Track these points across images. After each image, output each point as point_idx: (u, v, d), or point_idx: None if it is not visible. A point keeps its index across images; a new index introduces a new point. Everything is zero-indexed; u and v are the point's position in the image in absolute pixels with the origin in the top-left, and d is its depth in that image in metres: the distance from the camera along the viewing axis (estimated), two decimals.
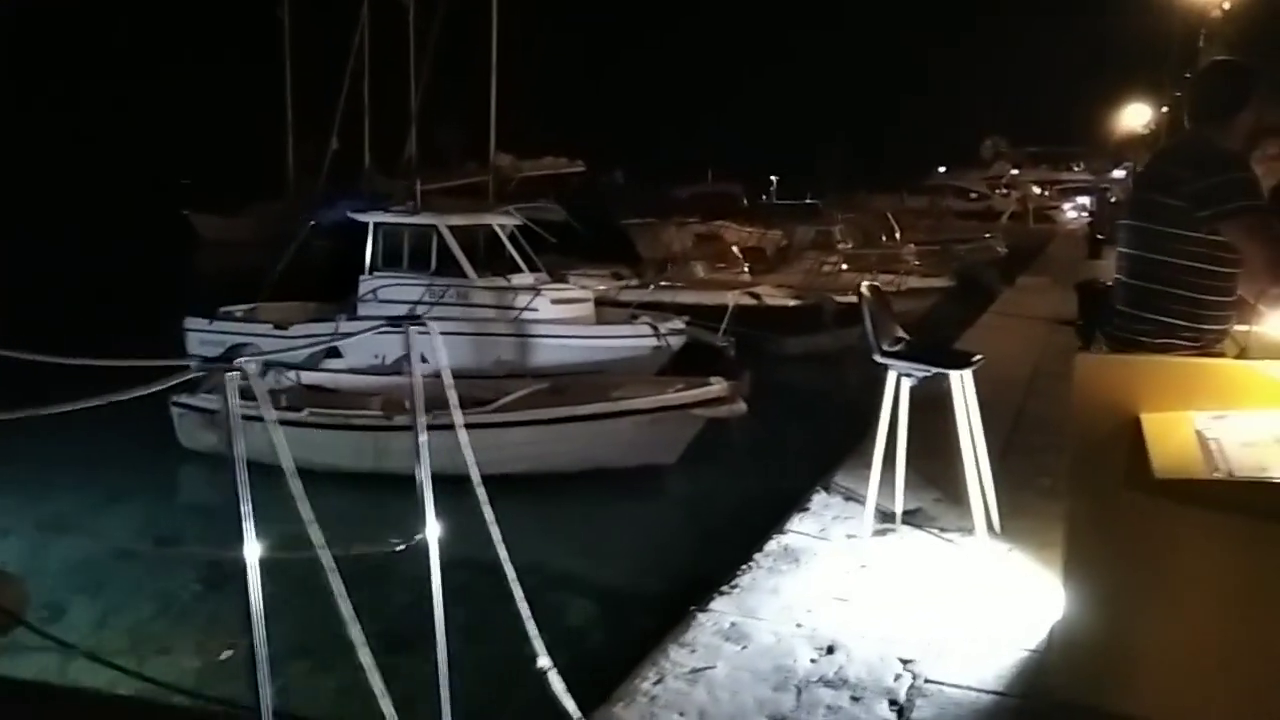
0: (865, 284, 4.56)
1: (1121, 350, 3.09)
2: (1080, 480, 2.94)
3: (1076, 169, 40.26)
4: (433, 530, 2.45)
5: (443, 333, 11.03)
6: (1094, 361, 3.00)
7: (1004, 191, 35.91)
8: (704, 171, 34.21)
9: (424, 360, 9.90)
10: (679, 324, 11.71)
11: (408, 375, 2.57)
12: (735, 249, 18.02)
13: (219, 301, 12.28)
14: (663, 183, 31.96)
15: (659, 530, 7.00)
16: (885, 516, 4.84)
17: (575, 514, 7.36)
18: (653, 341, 11.36)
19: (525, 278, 11.78)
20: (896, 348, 4.41)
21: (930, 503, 5.07)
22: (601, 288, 13.69)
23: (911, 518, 4.87)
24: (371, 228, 11.81)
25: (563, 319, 11.56)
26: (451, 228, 11.62)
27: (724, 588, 4.06)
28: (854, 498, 5.12)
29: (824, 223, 21.30)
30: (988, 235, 23.05)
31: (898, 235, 21.56)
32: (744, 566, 4.30)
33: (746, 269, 16.47)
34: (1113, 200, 23.80)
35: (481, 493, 2.55)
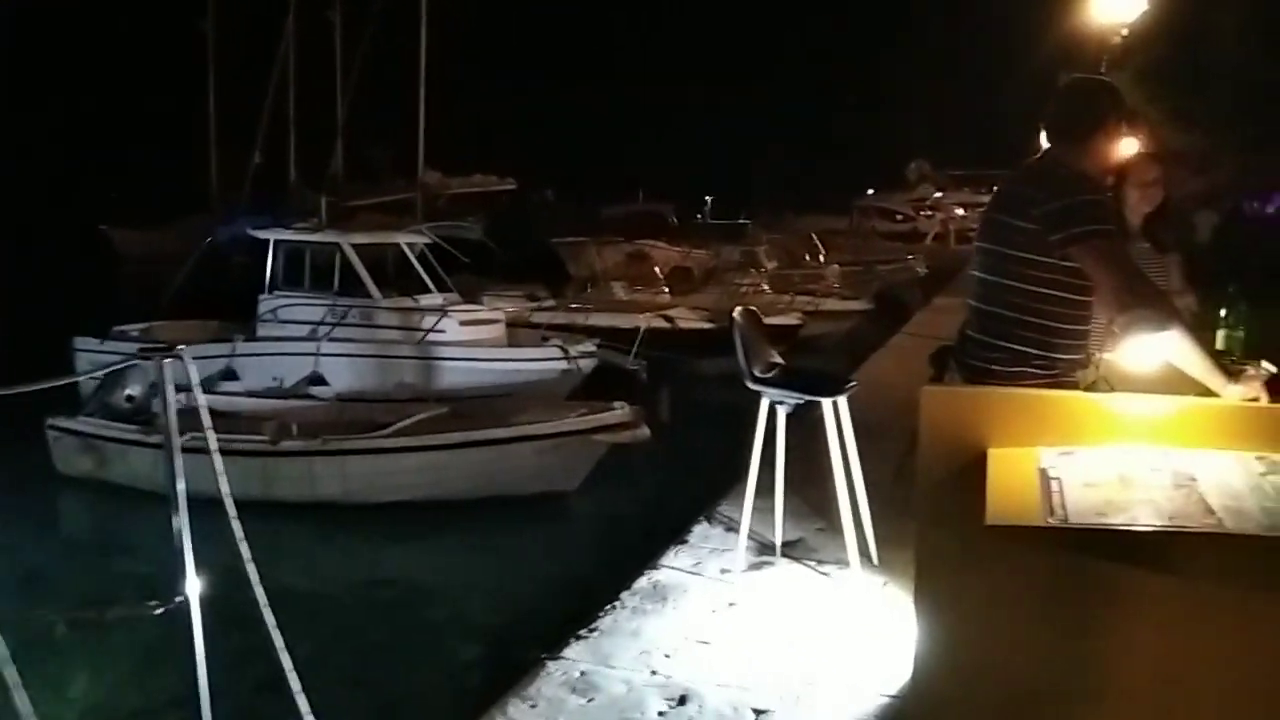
0: (738, 309, 4.37)
1: (974, 379, 2.93)
2: (927, 519, 2.76)
3: None
4: (193, 587, 2.15)
5: (345, 354, 10.51)
6: (940, 394, 2.82)
7: (928, 213, 36.44)
8: (636, 190, 34.04)
9: (326, 384, 9.35)
10: (590, 346, 11.47)
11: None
12: (658, 270, 17.87)
13: (126, 319, 11.76)
14: (595, 201, 31.74)
15: (544, 564, 6.72)
16: (764, 549, 4.66)
17: (460, 546, 7.06)
18: (563, 364, 11.11)
19: (434, 298, 11.43)
20: (769, 374, 4.22)
21: (813, 533, 4.90)
22: (513, 309, 13.39)
23: (791, 549, 4.69)
24: (272, 245, 11.38)
25: (471, 341, 11.25)
26: (356, 246, 11.24)
27: (582, 631, 3.83)
28: (735, 529, 4.90)
29: (750, 243, 21.30)
30: (910, 256, 23.28)
31: (822, 256, 21.65)
32: (608, 606, 4.07)
33: (666, 290, 16.30)
34: None
35: (241, 543, 2.26)
